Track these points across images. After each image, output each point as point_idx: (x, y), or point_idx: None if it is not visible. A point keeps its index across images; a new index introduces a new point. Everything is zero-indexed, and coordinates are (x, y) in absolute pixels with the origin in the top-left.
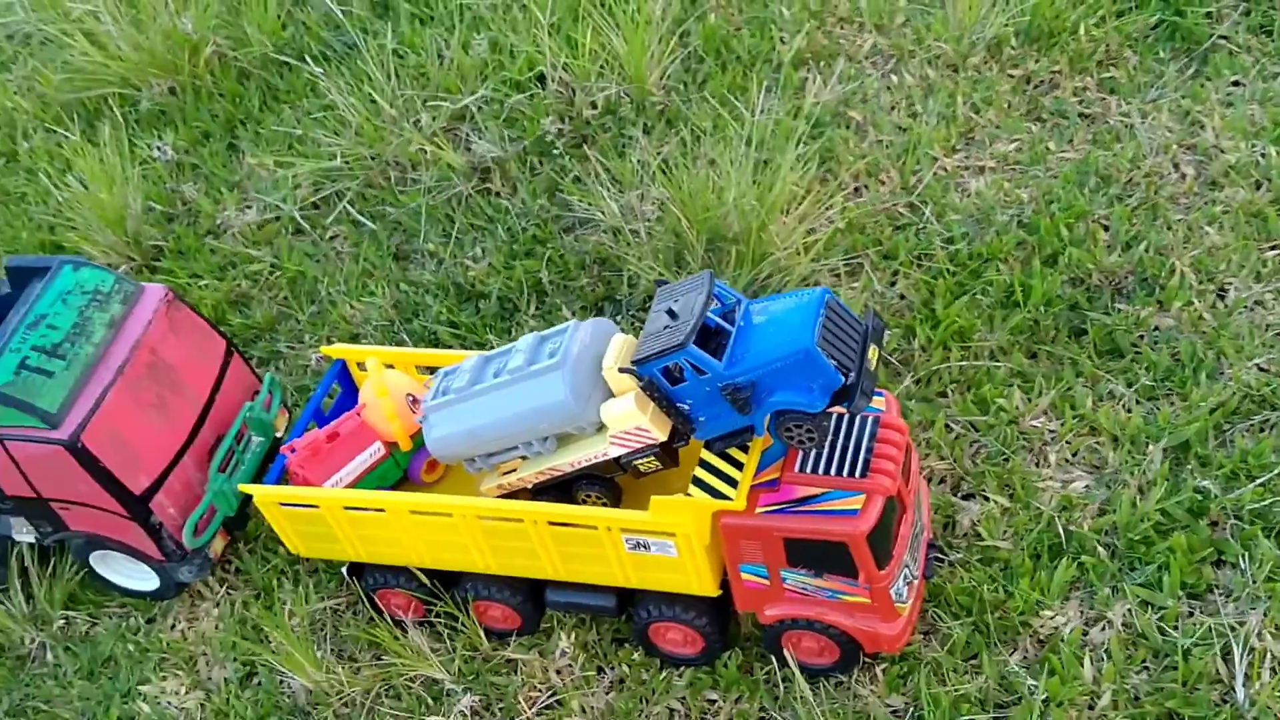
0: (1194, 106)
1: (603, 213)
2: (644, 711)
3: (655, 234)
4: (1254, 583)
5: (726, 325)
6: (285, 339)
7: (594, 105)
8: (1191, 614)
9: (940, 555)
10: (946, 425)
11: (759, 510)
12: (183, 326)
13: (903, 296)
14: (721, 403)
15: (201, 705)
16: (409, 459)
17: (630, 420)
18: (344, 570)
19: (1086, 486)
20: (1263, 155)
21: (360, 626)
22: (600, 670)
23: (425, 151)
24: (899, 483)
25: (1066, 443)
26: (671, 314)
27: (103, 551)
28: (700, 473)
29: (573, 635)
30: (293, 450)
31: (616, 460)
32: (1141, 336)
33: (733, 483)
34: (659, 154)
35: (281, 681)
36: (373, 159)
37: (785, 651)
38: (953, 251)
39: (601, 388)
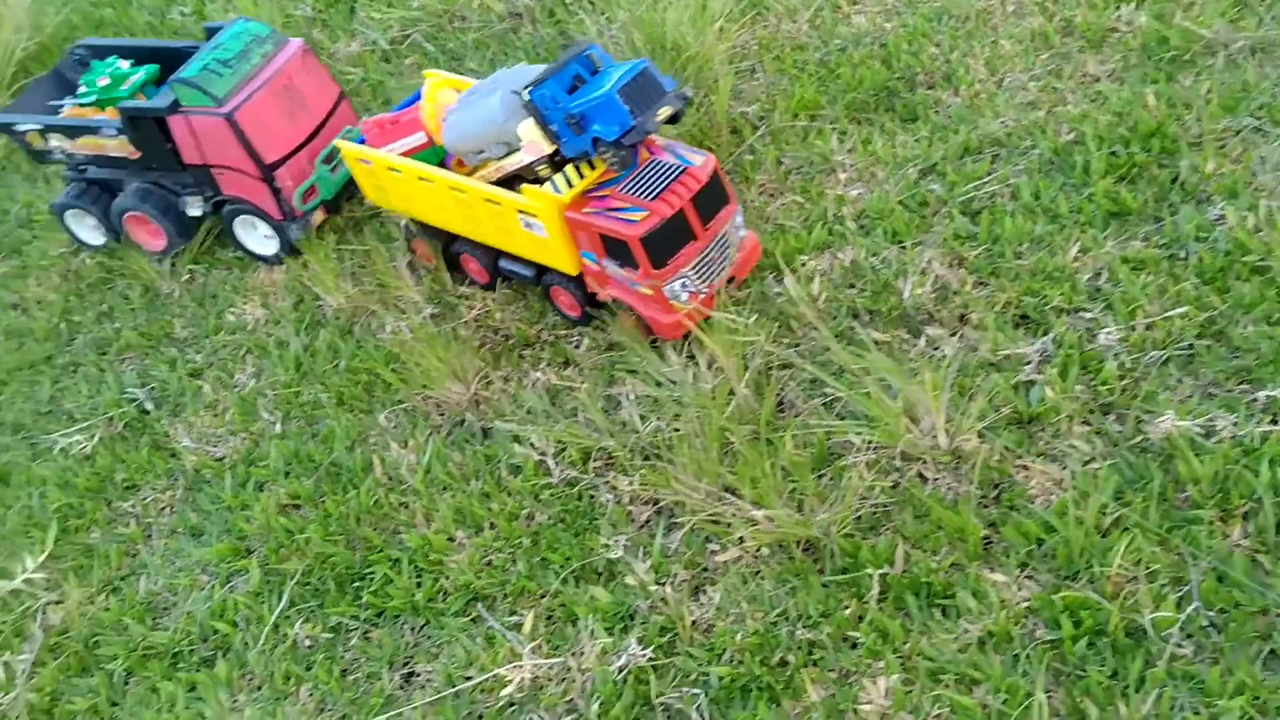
0: None
1: (584, 34)
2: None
3: (619, 45)
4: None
5: (588, 76)
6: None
7: None
8: (891, 255)
9: (735, 289)
10: (779, 160)
11: (585, 210)
12: (312, 69)
13: (778, 85)
14: (568, 128)
15: (263, 319)
16: (445, 152)
17: (528, 134)
18: (402, 225)
19: (858, 193)
20: None
21: (371, 267)
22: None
23: (475, 4)
24: (676, 211)
25: (854, 166)
26: (553, 63)
27: (242, 216)
28: (558, 178)
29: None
30: (367, 125)
31: (531, 166)
32: (935, 109)
33: (572, 187)
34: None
35: (318, 303)
36: (441, 13)
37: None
38: (822, 57)
39: (523, 111)
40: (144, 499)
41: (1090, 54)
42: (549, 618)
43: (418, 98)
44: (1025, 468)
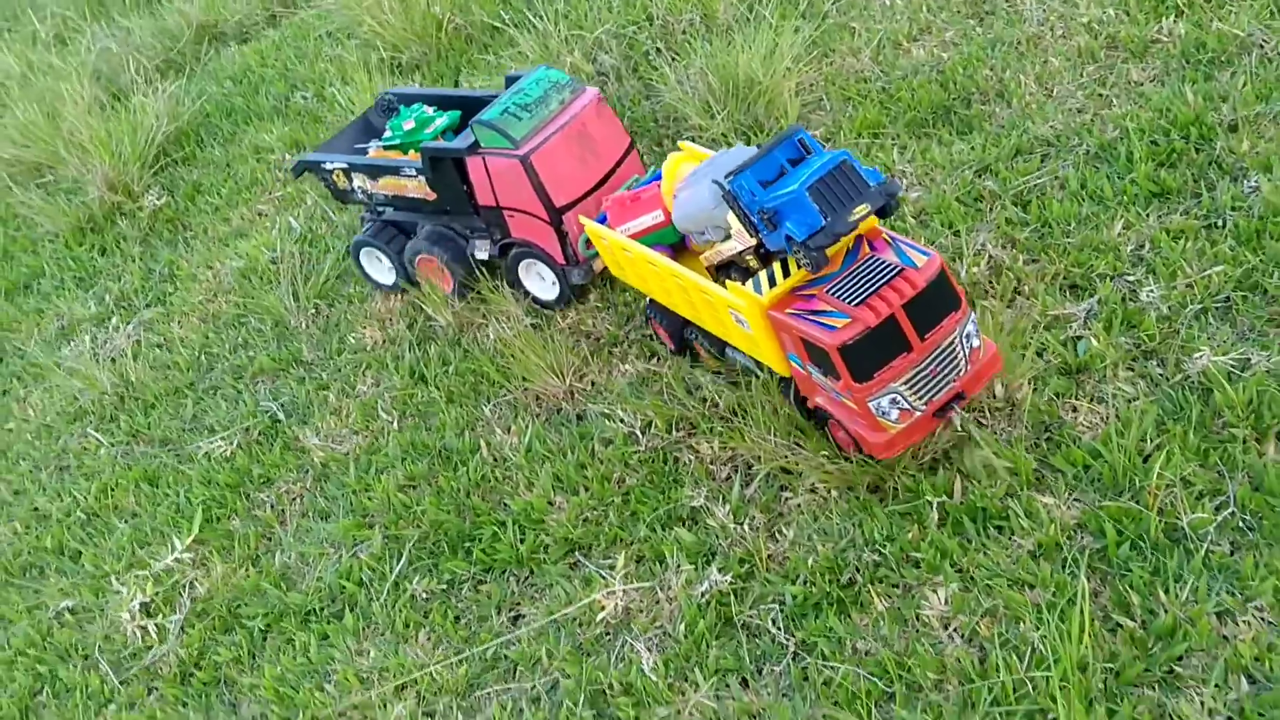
0: None
1: (664, 84)
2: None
3: (696, 89)
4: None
5: (790, 168)
6: None
7: (682, 31)
8: (947, 241)
9: (965, 411)
10: None
11: (788, 311)
12: (605, 117)
13: (843, 112)
14: (763, 222)
15: (381, 340)
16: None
17: (735, 222)
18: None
19: (917, 195)
20: (1104, 14)
21: (476, 285)
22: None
23: (571, 66)
24: (884, 319)
25: (913, 173)
26: (759, 147)
27: (527, 261)
28: (762, 274)
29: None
30: (609, 202)
31: (741, 253)
32: (988, 121)
33: (775, 284)
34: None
35: (430, 322)
36: None
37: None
38: (883, 86)
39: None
40: (278, 490)
41: (1134, 63)
42: (639, 559)
43: (659, 176)
44: (1074, 409)
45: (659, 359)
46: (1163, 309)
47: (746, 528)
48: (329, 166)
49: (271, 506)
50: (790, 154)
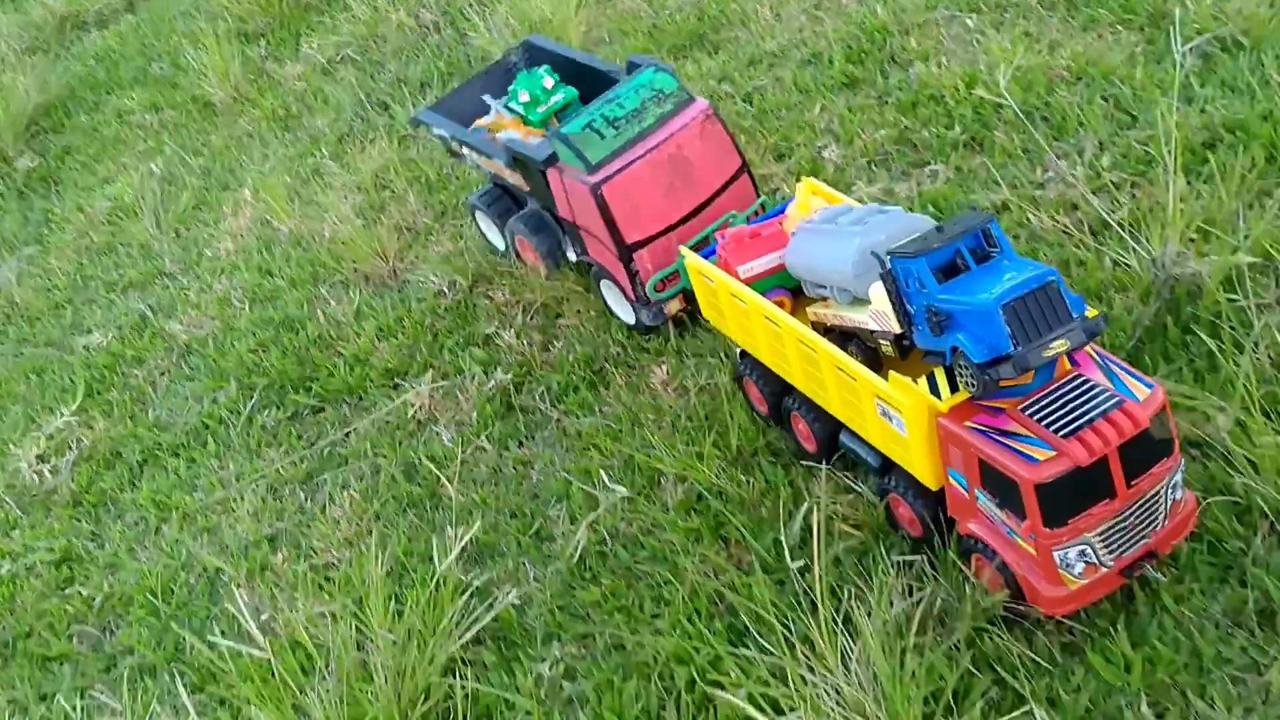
0: None
1: (476, 34)
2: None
3: (502, 33)
4: None
5: (972, 262)
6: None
7: None
8: None
9: (1154, 568)
10: None
11: (968, 424)
12: (711, 137)
13: (621, 43)
14: (925, 320)
15: (234, 249)
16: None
17: (880, 303)
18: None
19: None
20: None
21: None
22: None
23: (398, 23)
24: (1096, 460)
25: None
26: (940, 230)
27: (608, 282)
28: (939, 372)
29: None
30: (724, 237)
31: (871, 332)
32: (732, 43)
33: (955, 391)
34: None
35: (277, 229)
36: (366, 35)
37: (970, 570)
38: (654, 23)
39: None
40: (148, 367)
41: None
42: (444, 375)
43: (784, 209)
44: None
45: (465, 240)
46: (839, 162)
47: (526, 344)
48: (438, 132)
49: (144, 378)
50: (972, 244)
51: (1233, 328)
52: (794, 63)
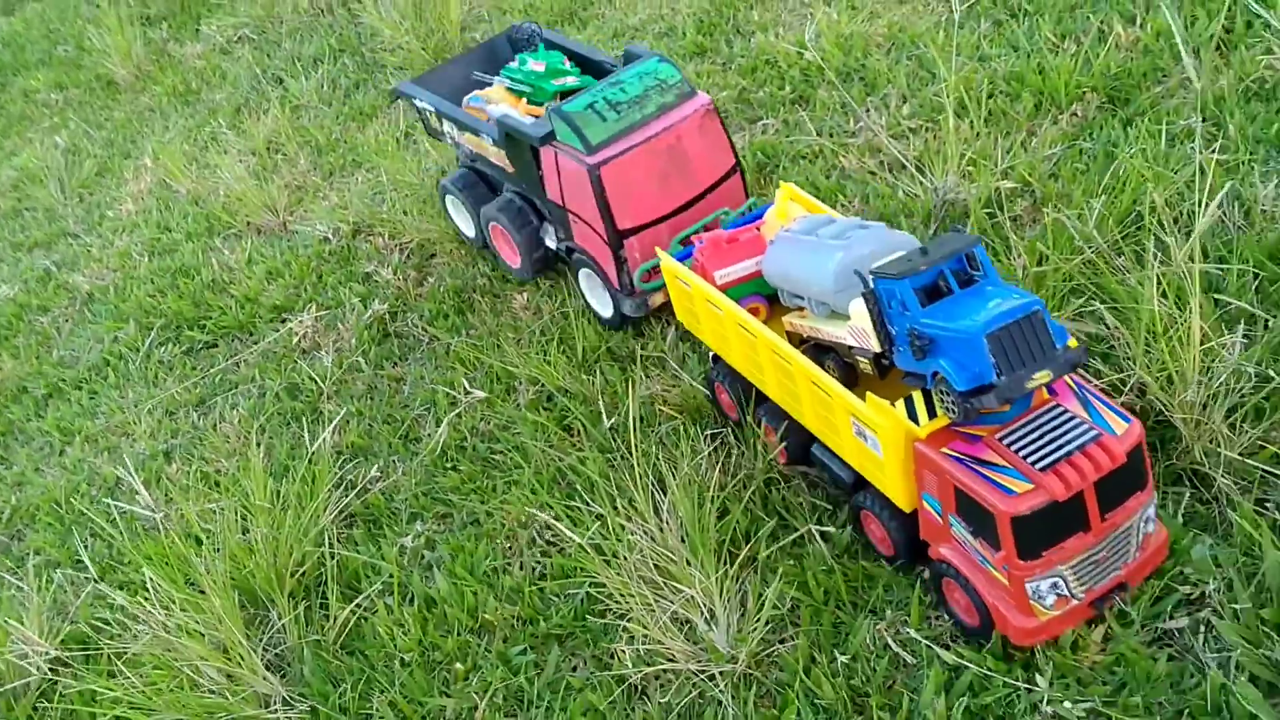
0: None
1: (365, 12)
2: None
3: (389, 13)
4: None
5: (956, 285)
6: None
7: None
8: None
9: (1123, 602)
10: None
11: (945, 450)
12: (709, 132)
13: (498, 17)
14: (907, 343)
15: (134, 210)
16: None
17: (860, 320)
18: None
19: None
20: None
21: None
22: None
23: (293, 5)
24: (1073, 495)
25: None
26: (924, 251)
27: (587, 270)
28: (918, 395)
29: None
30: (701, 241)
31: (850, 348)
32: (599, 18)
33: (934, 416)
34: None
35: (175, 191)
36: (264, 16)
37: (943, 597)
38: (529, 1)
39: (860, 284)
40: (53, 315)
41: None
42: (326, 308)
43: (762, 214)
44: None
45: (350, 195)
46: None
47: (402, 279)
48: (420, 104)
49: (49, 324)
50: (956, 266)
51: (992, 241)
52: (651, 35)
